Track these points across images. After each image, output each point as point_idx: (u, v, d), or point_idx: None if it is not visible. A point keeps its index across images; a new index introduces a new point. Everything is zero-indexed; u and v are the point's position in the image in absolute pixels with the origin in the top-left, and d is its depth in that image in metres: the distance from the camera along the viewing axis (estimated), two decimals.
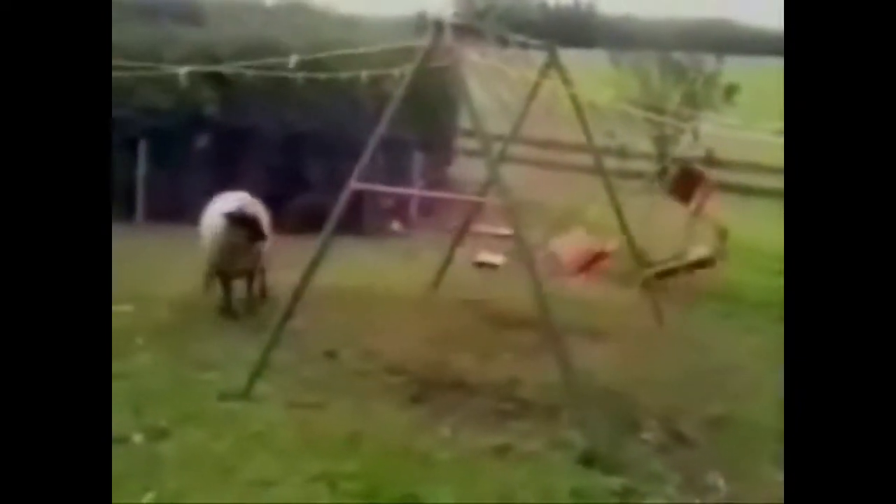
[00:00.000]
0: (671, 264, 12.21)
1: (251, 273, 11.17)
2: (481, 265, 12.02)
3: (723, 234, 12.63)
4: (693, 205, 12.47)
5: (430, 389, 8.83)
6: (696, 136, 20.49)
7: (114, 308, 10.27)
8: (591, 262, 11.70)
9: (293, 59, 9.62)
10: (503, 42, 10.80)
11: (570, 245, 11.60)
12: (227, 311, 10.95)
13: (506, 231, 8.87)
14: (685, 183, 12.67)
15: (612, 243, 11.65)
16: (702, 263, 12.35)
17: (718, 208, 12.89)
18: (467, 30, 9.96)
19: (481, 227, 11.88)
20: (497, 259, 11.52)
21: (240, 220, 10.56)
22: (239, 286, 11.16)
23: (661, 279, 12.15)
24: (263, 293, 11.50)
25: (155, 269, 12.21)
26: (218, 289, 11.02)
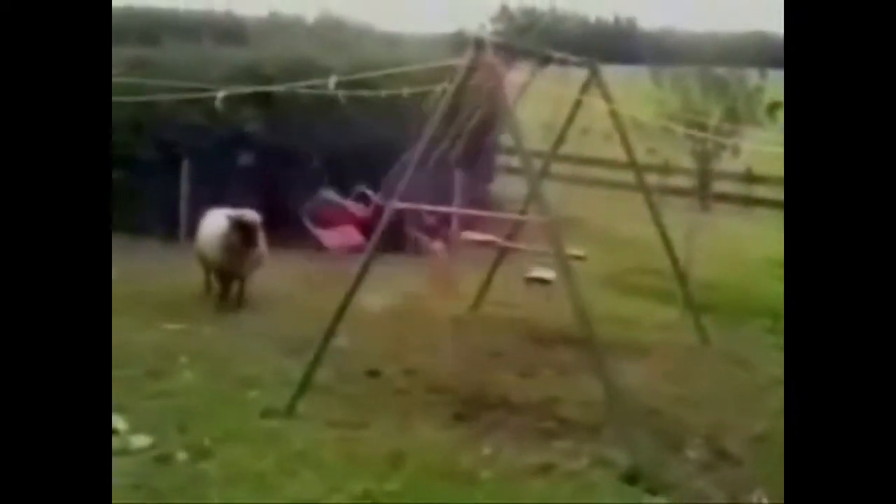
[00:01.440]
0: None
1: (244, 274, 12.19)
2: (533, 280, 11.99)
3: None
4: None
5: (471, 408, 8.81)
6: (736, 152, 20.40)
7: (163, 326, 10.48)
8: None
9: (332, 80, 9.68)
10: (544, 59, 10.79)
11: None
12: (224, 304, 12.04)
13: (544, 248, 8.85)
14: None
15: None
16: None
17: None
18: (507, 47, 9.97)
19: (518, 245, 11.85)
20: (549, 274, 11.47)
21: (239, 225, 11.59)
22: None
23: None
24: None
25: (197, 288, 12.30)
26: (216, 286, 12.29)
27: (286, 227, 13.12)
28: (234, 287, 12.26)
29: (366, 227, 11.65)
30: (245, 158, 15.87)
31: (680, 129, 17.89)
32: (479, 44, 8.49)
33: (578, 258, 10.70)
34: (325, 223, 12.72)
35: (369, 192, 12.30)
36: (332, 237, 12.45)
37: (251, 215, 11.81)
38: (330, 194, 12.81)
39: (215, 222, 12.06)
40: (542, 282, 11.81)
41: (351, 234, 12.27)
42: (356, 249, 11.12)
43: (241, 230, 11.62)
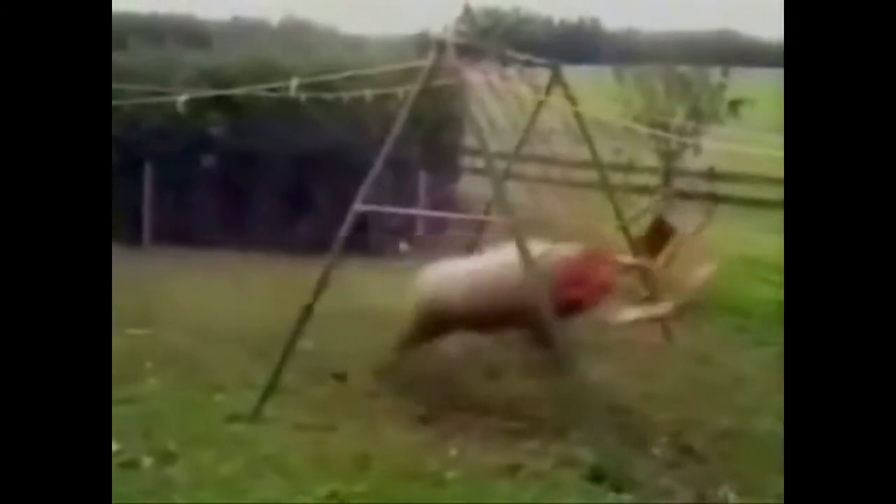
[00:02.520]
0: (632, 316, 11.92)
1: None
2: None
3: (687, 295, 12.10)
4: (662, 258, 12.31)
5: (438, 410, 8.82)
6: (697, 151, 20.51)
7: (128, 331, 10.43)
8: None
9: (294, 83, 9.66)
10: (506, 60, 10.82)
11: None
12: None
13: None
14: (655, 237, 12.45)
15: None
16: (661, 318, 11.97)
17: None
18: (470, 49, 9.98)
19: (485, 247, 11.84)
20: None
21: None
22: None
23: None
24: None
25: (162, 292, 12.24)
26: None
27: (251, 230, 13.13)
28: None
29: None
30: (207, 161, 15.80)
31: (644, 129, 17.97)
32: (440, 46, 8.50)
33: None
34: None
35: None
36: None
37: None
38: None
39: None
40: None
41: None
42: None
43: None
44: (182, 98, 9.48)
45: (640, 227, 11.74)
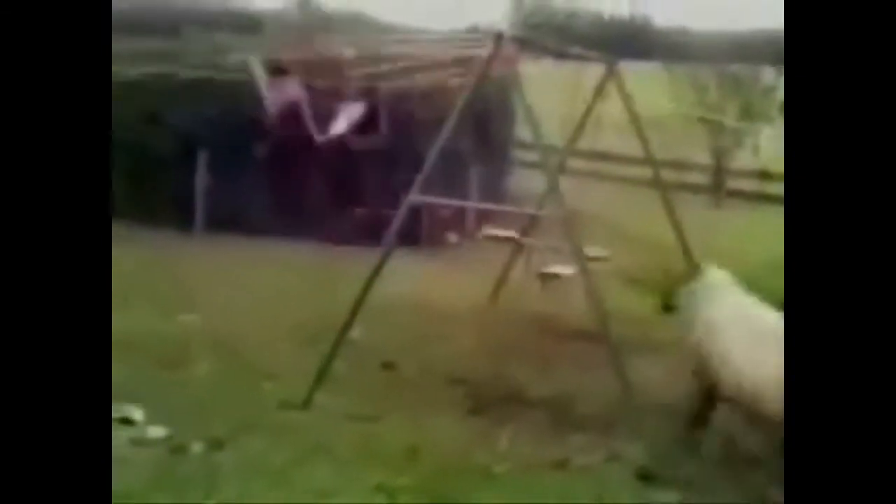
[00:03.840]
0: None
1: None
2: (547, 276, 11.98)
3: None
4: None
5: (487, 402, 8.82)
6: (755, 151, 20.43)
7: (179, 318, 10.51)
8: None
9: (350, 51, 9.69)
10: (562, 54, 10.79)
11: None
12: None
13: (560, 244, 8.86)
14: None
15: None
16: None
17: None
18: (526, 41, 9.96)
19: (527, 240, 11.84)
20: (564, 270, 11.45)
21: None
22: None
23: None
24: None
25: (213, 280, 12.29)
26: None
27: (304, 219, 13.16)
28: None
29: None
30: (259, 149, 15.81)
31: (696, 126, 17.91)
32: (498, 37, 8.49)
33: (599, 259, 10.70)
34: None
35: None
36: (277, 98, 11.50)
37: None
38: None
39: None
40: (557, 277, 11.80)
41: (293, 88, 11.44)
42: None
43: None
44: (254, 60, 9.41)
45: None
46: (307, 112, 11.06)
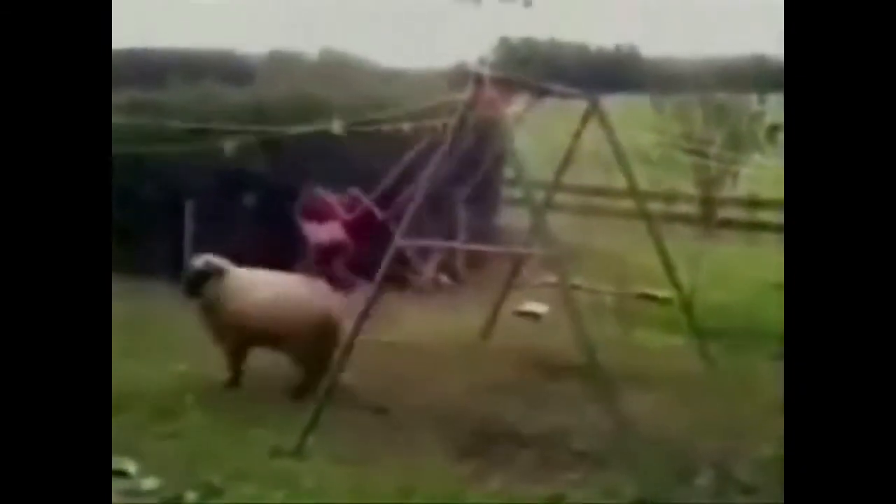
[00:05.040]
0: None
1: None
2: (523, 314, 12.04)
3: None
4: None
5: (480, 442, 8.82)
6: (734, 178, 20.47)
7: (170, 367, 10.49)
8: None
9: (337, 125, 9.75)
10: (543, 92, 10.86)
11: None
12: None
13: (550, 280, 8.90)
14: None
15: None
16: None
17: None
18: (507, 81, 10.03)
19: (526, 278, 11.88)
20: (539, 308, 11.49)
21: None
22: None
23: None
24: None
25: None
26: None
27: (292, 265, 13.11)
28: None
29: (352, 229, 11.27)
30: (248, 199, 15.86)
31: (683, 157, 17.95)
32: (477, 79, 8.55)
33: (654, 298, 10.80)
34: (314, 218, 11.94)
35: (360, 195, 11.69)
36: (318, 232, 11.92)
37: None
38: (321, 191, 12.06)
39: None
40: (533, 316, 11.87)
41: (336, 232, 11.77)
42: (340, 248, 10.91)
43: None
44: (229, 144, 9.54)
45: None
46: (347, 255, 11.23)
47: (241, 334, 10.27)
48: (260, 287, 10.35)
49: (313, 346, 9.93)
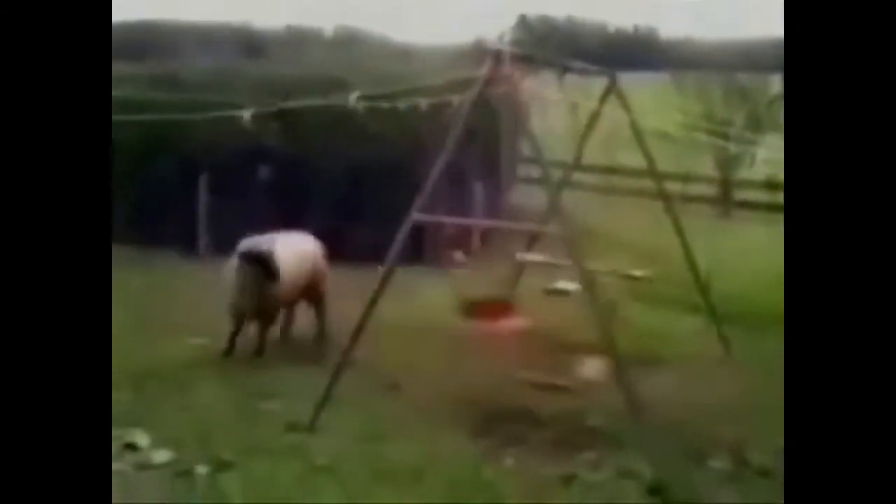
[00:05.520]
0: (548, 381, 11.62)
1: (267, 314, 10.90)
2: (553, 292, 11.93)
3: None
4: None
5: (494, 420, 8.77)
6: (752, 161, 20.37)
7: (185, 340, 10.50)
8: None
9: (353, 98, 9.68)
10: (562, 69, 10.77)
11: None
12: (229, 351, 10.70)
13: (564, 261, 8.83)
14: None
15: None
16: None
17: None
18: (526, 58, 9.93)
19: (538, 258, 11.77)
20: (570, 286, 11.38)
21: (253, 259, 10.44)
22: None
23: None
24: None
25: (218, 302, 12.27)
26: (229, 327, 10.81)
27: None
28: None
29: None
30: (263, 172, 15.84)
31: (702, 137, 17.84)
32: (497, 55, 8.46)
33: (641, 279, 10.73)
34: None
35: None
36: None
37: (266, 244, 10.58)
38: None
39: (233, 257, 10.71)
40: (563, 293, 11.75)
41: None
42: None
43: (257, 264, 10.41)
44: (247, 113, 9.48)
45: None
46: None
47: (284, 301, 10.98)
48: (284, 255, 10.68)
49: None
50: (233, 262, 10.60)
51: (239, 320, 10.73)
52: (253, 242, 10.55)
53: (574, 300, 11.29)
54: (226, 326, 10.64)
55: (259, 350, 10.71)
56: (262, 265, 10.40)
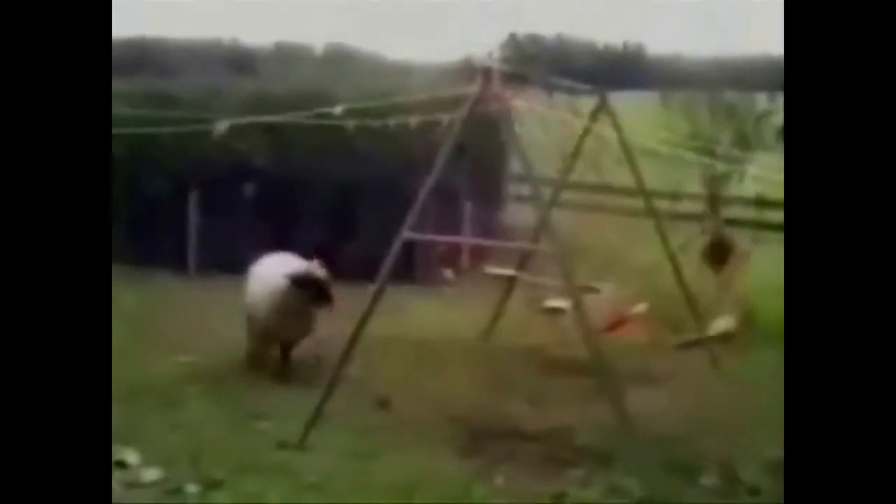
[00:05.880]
0: (694, 336, 12.00)
1: (304, 337, 10.77)
2: (548, 310, 11.99)
3: (746, 310, 12.64)
4: (723, 275, 12.43)
5: (484, 438, 8.77)
6: (741, 178, 20.38)
7: (174, 358, 10.49)
8: (616, 325, 11.87)
9: (338, 109, 9.68)
10: (552, 87, 10.82)
11: (600, 304, 11.56)
12: (283, 375, 10.54)
13: (554, 280, 8.88)
14: (717, 253, 12.65)
15: (640, 307, 11.79)
16: (724, 338, 12.24)
17: (746, 282, 12.87)
18: (516, 76, 9.97)
19: (529, 277, 11.83)
20: (564, 304, 11.42)
21: (305, 283, 10.25)
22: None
23: (685, 349, 12.03)
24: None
25: (207, 320, 12.27)
26: (272, 354, 10.76)
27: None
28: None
29: None
30: (248, 189, 15.84)
31: (690, 155, 17.85)
32: (486, 73, 8.49)
33: (592, 290, 10.77)
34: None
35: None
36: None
37: (317, 269, 10.39)
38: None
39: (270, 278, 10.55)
40: (561, 311, 11.80)
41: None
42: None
43: (310, 289, 10.20)
44: (220, 125, 9.44)
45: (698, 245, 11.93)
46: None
47: None
48: None
49: None
50: (273, 283, 10.37)
51: (271, 341, 10.66)
52: (299, 265, 10.48)
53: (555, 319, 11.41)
54: (246, 344, 10.80)
55: (284, 373, 10.58)
56: (317, 290, 10.24)
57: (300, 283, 10.24)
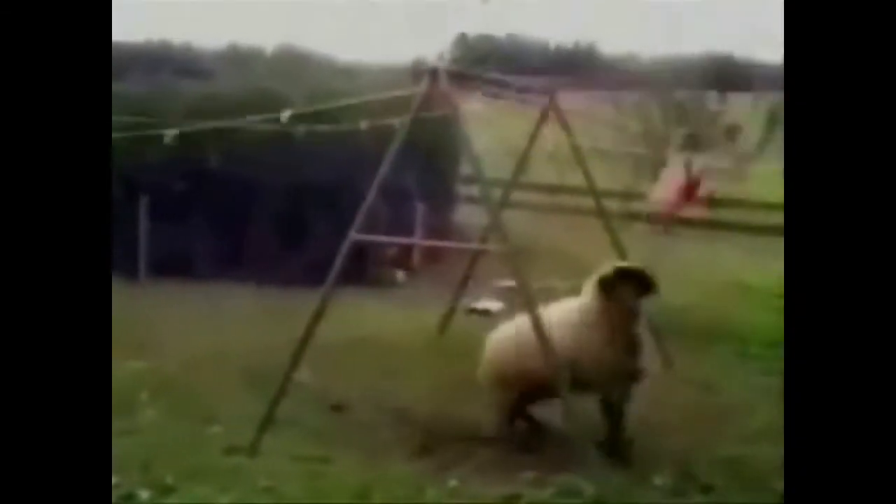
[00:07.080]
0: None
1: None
2: (475, 311, 12.03)
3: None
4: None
5: (437, 440, 8.77)
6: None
7: (125, 364, 10.41)
8: (689, 192, 12.26)
9: (285, 114, 9.66)
10: (502, 87, 10.83)
11: (667, 185, 11.91)
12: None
13: (507, 282, 8.89)
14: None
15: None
16: None
17: None
18: (464, 76, 9.97)
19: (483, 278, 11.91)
20: (493, 305, 11.46)
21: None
22: None
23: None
24: None
25: (159, 325, 12.19)
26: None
27: (247, 262, 13.09)
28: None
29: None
30: (179, 186, 15.70)
31: (642, 154, 18.03)
32: (433, 73, 8.47)
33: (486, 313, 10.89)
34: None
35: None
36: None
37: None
38: None
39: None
40: (485, 313, 11.87)
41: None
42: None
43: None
44: (171, 132, 9.40)
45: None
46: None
47: None
48: None
49: None
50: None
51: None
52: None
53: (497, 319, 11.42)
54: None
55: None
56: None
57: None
